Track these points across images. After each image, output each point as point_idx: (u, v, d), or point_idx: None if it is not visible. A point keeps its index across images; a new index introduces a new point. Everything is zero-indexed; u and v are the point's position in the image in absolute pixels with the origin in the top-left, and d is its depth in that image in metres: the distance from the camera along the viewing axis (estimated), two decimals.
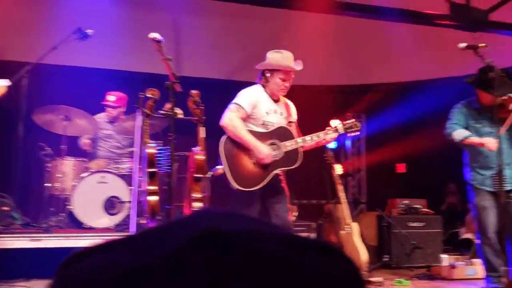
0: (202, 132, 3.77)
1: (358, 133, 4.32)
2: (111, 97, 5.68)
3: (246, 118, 3.94)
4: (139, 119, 3.85)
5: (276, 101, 4.06)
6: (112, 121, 5.72)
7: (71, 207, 5.04)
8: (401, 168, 7.68)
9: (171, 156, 3.58)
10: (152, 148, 3.67)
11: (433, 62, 7.24)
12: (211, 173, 5.20)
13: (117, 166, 5.37)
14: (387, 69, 7.51)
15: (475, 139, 4.30)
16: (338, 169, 5.27)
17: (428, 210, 6.33)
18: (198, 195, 3.68)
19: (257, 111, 3.95)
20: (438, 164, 6.76)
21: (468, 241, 6.20)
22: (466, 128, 4.45)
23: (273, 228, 0.53)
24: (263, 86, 4.04)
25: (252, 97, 3.96)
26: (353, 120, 4.22)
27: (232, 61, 6.98)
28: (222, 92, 6.42)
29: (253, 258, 0.45)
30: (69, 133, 5.22)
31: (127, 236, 0.51)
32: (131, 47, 6.41)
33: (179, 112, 3.61)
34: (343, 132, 4.15)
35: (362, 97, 7.31)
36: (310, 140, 4.00)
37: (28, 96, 4.92)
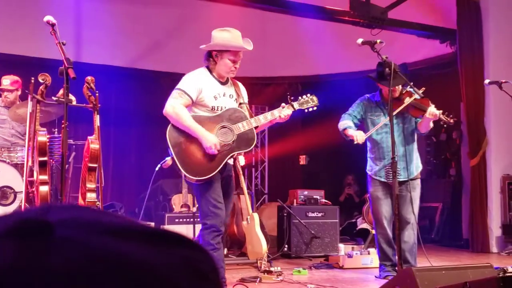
0: (97, 120, 3.67)
1: (315, 108, 4.06)
2: (5, 81, 5.42)
3: (193, 104, 3.70)
4: (30, 105, 3.69)
5: (224, 83, 3.81)
6: (7, 106, 5.44)
7: None
8: (302, 160, 7.88)
9: (63, 145, 3.46)
10: (43, 136, 3.53)
11: (336, 57, 7.49)
12: (160, 165, 5.07)
13: (9, 154, 5.13)
14: (291, 63, 7.68)
15: (349, 131, 4.45)
16: (241, 160, 5.33)
17: (326, 201, 6.55)
18: (92, 186, 3.58)
19: (204, 96, 3.69)
20: (337, 156, 7.01)
21: (365, 231, 6.49)
22: (363, 119, 4.63)
23: (114, 220, 0.50)
24: (209, 69, 3.77)
25: (196, 82, 3.70)
26: (309, 95, 4.02)
27: (134, 48, 6.84)
28: (123, 80, 6.32)
29: (71, 249, 0.44)
30: None
31: None
32: (26, 30, 6.13)
33: (72, 99, 3.50)
34: (299, 107, 3.95)
35: (265, 89, 7.42)
36: (264, 119, 3.80)
37: None
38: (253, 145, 3.81)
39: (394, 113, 4.12)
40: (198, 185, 3.70)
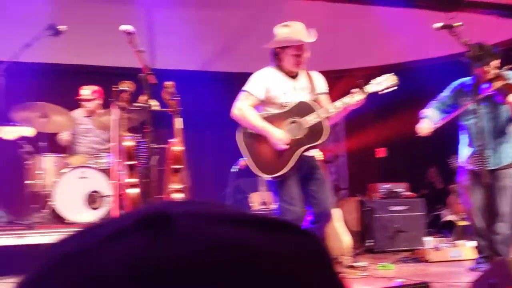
0: (178, 123, 3.77)
1: (395, 87, 3.82)
2: (85, 91, 5.68)
3: (263, 103, 3.72)
4: (115, 112, 3.85)
5: (294, 77, 3.77)
6: (90, 115, 5.69)
7: (53, 203, 5.04)
8: (381, 152, 7.72)
9: (149, 149, 3.59)
10: (129, 141, 3.68)
11: (411, 44, 7.28)
12: (236, 167, 5.19)
13: (96, 161, 5.37)
14: (366, 53, 7.54)
15: (420, 122, 4.32)
16: (318, 154, 5.30)
17: (409, 193, 6.40)
18: (177, 186, 3.69)
19: (272, 94, 3.70)
20: (418, 147, 6.82)
21: (451, 223, 6.28)
22: (455, 105, 4.42)
23: (229, 210, 0.52)
24: (278, 65, 3.76)
25: (262, 81, 3.72)
26: (387, 74, 3.84)
27: (206, 51, 6.96)
28: (197, 83, 6.44)
29: (195, 239, 0.45)
30: (47, 130, 5.20)
31: (80, 229, 0.51)
32: (104, 41, 6.39)
33: (154, 104, 3.62)
34: (374, 90, 3.74)
35: (339, 82, 7.34)
36: (334, 109, 3.66)
37: (6, 94, 4.88)
38: (324, 138, 3.67)
39: (482, 97, 3.92)
40: (273, 183, 3.72)
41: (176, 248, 0.44)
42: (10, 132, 4.31)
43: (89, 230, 0.49)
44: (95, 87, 5.73)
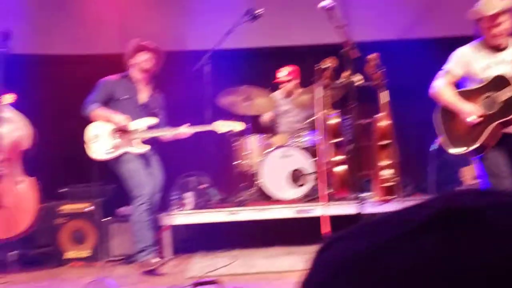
0: (384, 96, 3.69)
1: None
2: (282, 73, 5.88)
3: (466, 80, 3.70)
4: (318, 90, 3.89)
5: (501, 50, 3.61)
6: (288, 96, 5.88)
7: (259, 181, 5.32)
8: None
9: (354, 125, 3.58)
10: (335, 118, 3.69)
11: None
12: (436, 144, 5.08)
13: (297, 140, 5.52)
14: None
15: None
16: None
17: None
18: (386, 162, 3.63)
19: (472, 71, 3.65)
20: None
21: None
22: None
23: None
24: (483, 39, 3.65)
25: (460, 58, 3.70)
26: None
27: (404, 18, 6.68)
28: (399, 53, 6.20)
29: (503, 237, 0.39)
30: (250, 112, 5.47)
31: (365, 222, 0.49)
32: (298, 21, 6.47)
33: (358, 79, 3.58)
34: None
35: None
36: None
37: (212, 81, 5.23)
38: None
39: None
40: (478, 158, 3.67)
41: (494, 251, 0.37)
42: (222, 126, 4.68)
43: (378, 224, 0.46)
44: (291, 68, 5.89)
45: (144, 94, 4.70)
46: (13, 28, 5.07)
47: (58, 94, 7.83)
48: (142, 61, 4.64)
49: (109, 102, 4.60)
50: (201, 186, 5.57)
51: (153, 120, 4.63)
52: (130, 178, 4.44)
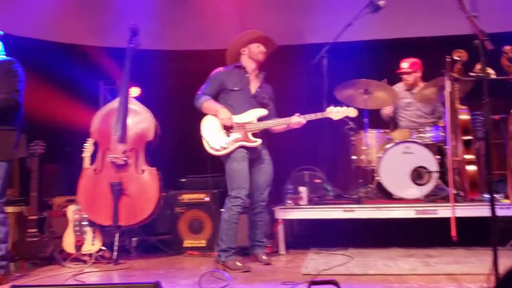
0: None
1: None
2: (404, 64, 5.65)
3: None
4: (447, 84, 3.63)
5: None
6: (410, 88, 5.64)
7: (378, 178, 5.12)
8: None
9: (486, 122, 3.29)
10: (465, 114, 3.43)
11: None
12: None
13: (420, 135, 5.24)
14: None
15: None
16: None
17: None
18: None
19: None
20: None
21: None
22: None
23: None
24: None
25: None
26: None
27: None
28: None
29: None
30: (369, 106, 5.27)
31: None
32: (418, 11, 6.16)
33: (491, 73, 3.29)
34: None
35: None
36: None
37: (329, 74, 5.11)
38: None
39: None
40: None
41: None
42: (336, 113, 4.50)
43: None
44: (414, 60, 5.62)
45: (254, 85, 4.60)
46: (141, 24, 5.28)
47: (180, 88, 8.09)
48: (257, 52, 4.54)
49: (221, 93, 4.54)
50: (316, 181, 5.47)
51: (263, 111, 4.51)
52: (232, 177, 4.36)
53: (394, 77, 5.64)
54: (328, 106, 4.54)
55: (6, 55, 4.27)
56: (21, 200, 5.24)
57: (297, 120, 4.47)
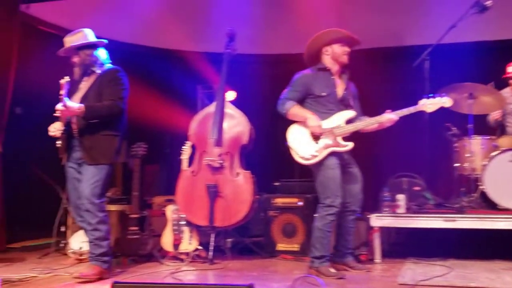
0: None
1: None
2: (510, 68, 5.32)
3: None
4: None
5: None
6: None
7: (483, 187, 4.84)
8: None
9: None
10: None
11: None
12: None
13: None
14: None
15: None
16: None
17: None
18: None
19: None
20: None
21: None
22: None
23: None
24: None
25: None
26: None
27: None
28: None
29: None
30: (475, 111, 4.99)
31: None
32: None
33: None
34: None
35: None
36: None
37: (431, 77, 4.91)
38: None
39: None
40: None
41: None
42: (430, 105, 4.21)
43: None
44: None
45: (340, 87, 4.38)
46: (237, 29, 5.35)
47: (274, 92, 8.11)
48: (341, 53, 4.31)
49: (307, 98, 4.35)
50: (415, 188, 5.27)
51: (351, 113, 4.32)
52: (326, 185, 4.20)
53: (501, 82, 5.33)
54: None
55: (111, 61, 4.48)
56: (123, 199, 5.48)
57: (389, 117, 4.24)
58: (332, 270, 4.15)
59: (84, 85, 4.32)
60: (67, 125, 4.22)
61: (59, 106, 4.02)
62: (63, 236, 5.43)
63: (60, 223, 5.36)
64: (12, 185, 6.03)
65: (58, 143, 4.24)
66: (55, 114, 4.09)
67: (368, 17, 6.28)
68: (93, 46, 4.37)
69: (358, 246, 4.90)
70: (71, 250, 4.94)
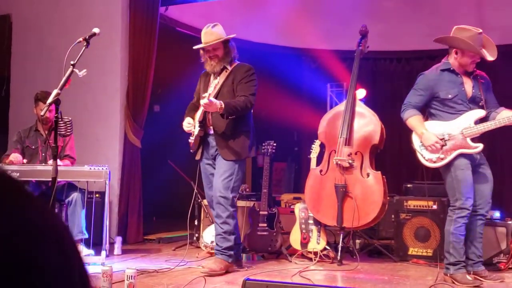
0: None
1: None
2: None
3: None
4: None
5: None
6: None
7: None
8: None
9: None
10: None
11: None
12: None
13: None
14: None
15: None
16: None
17: None
18: None
19: None
20: None
21: None
22: None
23: None
24: None
25: None
26: None
27: None
28: None
29: None
30: None
31: None
32: None
33: None
34: None
35: None
36: None
37: None
38: None
39: None
40: None
41: None
42: None
43: None
44: None
45: (469, 86, 4.11)
46: (369, 26, 5.25)
47: (406, 90, 7.84)
48: (469, 64, 4.06)
49: (432, 100, 4.16)
50: None
51: (481, 113, 4.05)
52: (456, 187, 4.00)
53: None
54: None
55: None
56: (253, 195, 5.60)
57: None
58: (469, 277, 3.93)
59: (218, 81, 4.38)
60: (202, 122, 4.34)
61: (205, 101, 4.05)
62: (197, 229, 5.68)
63: (193, 216, 5.62)
64: (150, 179, 6.43)
65: (191, 138, 4.37)
66: (202, 108, 4.15)
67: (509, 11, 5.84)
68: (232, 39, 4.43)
69: (497, 253, 4.57)
70: (204, 243, 5.15)
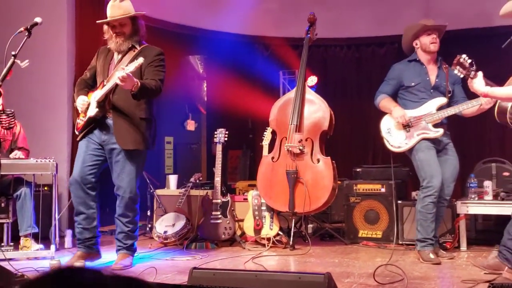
0: None
1: None
2: None
3: None
4: None
5: None
6: None
7: None
8: None
9: None
10: None
11: None
12: None
13: None
14: None
15: None
16: None
17: None
18: None
19: None
20: None
21: None
22: None
23: None
24: None
25: None
26: None
27: None
28: None
29: None
30: None
31: None
32: None
33: None
34: None
35: None
36: None
37: None
38: None
39: None
40: None
41: None
42: None
43: None
44: None
45: (433, 75, 4.43)
46: (318, 14, 5.29)
47: (355, 76, 8.00)
48: (428, 43, 4.39)
49: (399, 89, 4.51)
50: (505, 174, 5.02)
51: (442, 100, 4.35)
52: (421, 168, 4.27)
53: None
54: None
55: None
56: (207, 184, 5.62)
57: (487, 99, 4.07)
58: (432, 255, 4.15)
59: (123, 61, 3.97)
60: (102, 103, 3.95)
61: (122, 74, 3.60)
62: (149, 220, 5.67)
63: (145, 207, 5.60)
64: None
65: (81, 119, 4.04)
66: (117, 83, 3.71)
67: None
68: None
69: (444, 233, 4.74)
70: (156, 234, 5.14)
